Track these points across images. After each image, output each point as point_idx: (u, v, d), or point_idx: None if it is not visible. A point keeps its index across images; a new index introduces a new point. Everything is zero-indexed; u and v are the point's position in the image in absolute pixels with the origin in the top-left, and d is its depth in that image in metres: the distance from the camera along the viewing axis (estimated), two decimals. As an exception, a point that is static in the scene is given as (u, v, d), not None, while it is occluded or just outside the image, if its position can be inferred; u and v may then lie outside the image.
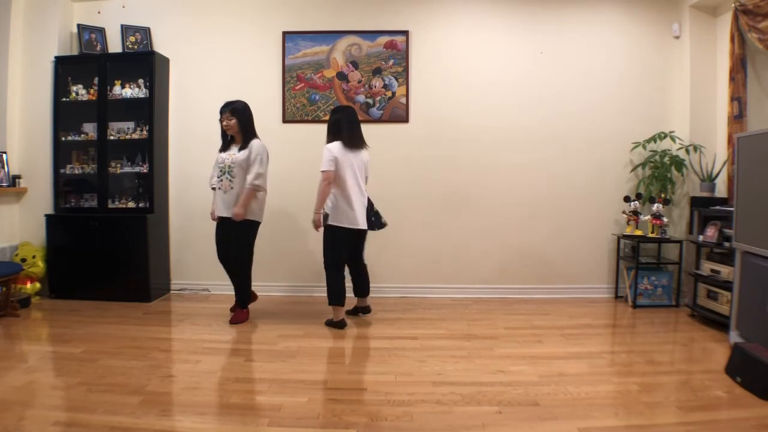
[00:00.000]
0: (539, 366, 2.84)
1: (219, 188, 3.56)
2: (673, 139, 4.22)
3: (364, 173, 3.52)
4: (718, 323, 3.50)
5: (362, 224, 3.45)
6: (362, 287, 3.71)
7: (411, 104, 4.38)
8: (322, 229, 3.41)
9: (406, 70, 4.36)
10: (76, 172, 4.27)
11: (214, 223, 4.44)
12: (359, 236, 3.56)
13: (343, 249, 3.49)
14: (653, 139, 4.27)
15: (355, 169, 3.43)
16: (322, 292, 4.39)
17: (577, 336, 3.38)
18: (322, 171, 3.34)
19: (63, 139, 4.23)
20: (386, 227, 3.65)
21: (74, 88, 4.23)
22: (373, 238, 4.36)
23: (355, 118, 3.53)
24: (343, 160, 3.37)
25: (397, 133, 4.37)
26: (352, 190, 3.39)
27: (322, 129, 4.35)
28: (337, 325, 3.49)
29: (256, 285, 4.42)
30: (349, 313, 3.73)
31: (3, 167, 4.03)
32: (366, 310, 3.76)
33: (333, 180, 3.35)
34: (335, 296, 3.45)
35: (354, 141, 3.45)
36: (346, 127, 3.44)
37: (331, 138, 3.48)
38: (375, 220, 3.57)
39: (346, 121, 3.46)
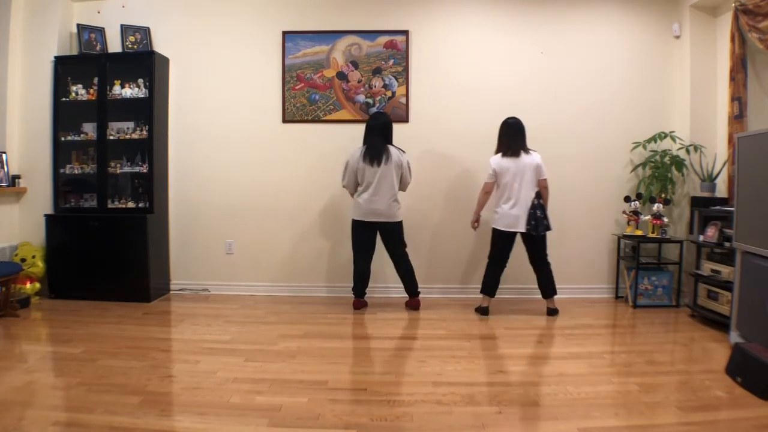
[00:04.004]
0: (539, 366, 2.84)
1: None
2: (673, 139, 4.22)
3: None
4: (719, 323, 3.50)
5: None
6: (545, 288, 3.86)
7: (411, 104, 4.38)
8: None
9: (406, 70, 4.36)
10: (76, 172, 4.27)
11: (215, 223, 4.47)
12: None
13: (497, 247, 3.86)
14: (653, 139, 4.27)
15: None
16: (323, 292, 4.42)
17: (577, 336, 3.38)
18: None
19: (63, 139, 4.22)
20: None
21: (74, 88, 4.23)
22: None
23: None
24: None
25: (397, 133, 4.34)
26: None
27: (322, 129, 4.41)
28: (480, 310, 3.87)
29: (258, 285, 4.46)
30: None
31: (3, 167, 4.03)
32: (553, 311, 3.84)
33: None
34: (486, 288, 3.87)
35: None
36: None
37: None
38: (535, 224, 3.67)
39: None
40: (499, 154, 3.77)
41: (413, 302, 3.99)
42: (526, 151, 3.74)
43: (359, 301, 4.00)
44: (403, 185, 3.91)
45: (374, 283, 4.39)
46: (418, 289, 4.01)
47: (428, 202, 4.41)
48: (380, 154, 3.78)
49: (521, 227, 3.68)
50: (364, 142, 3.87)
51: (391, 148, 3.84)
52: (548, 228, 3.74)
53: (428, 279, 4.41)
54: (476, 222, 3.92)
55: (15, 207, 4.24)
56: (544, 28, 4.37)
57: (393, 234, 3.90)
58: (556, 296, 3.88)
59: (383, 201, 3.78)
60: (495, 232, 3.81)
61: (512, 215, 3.69)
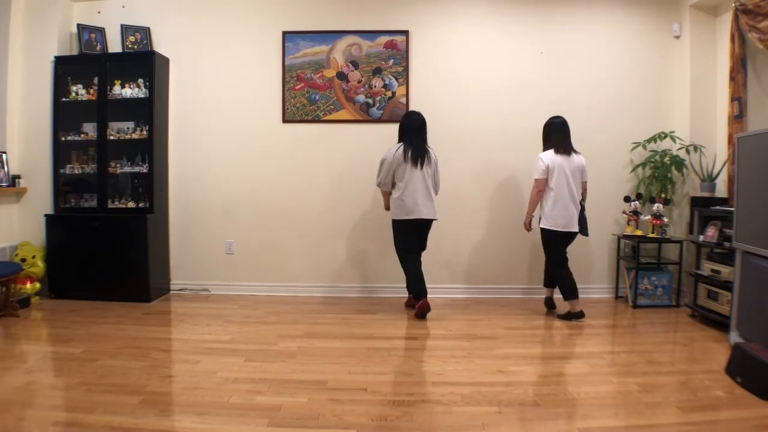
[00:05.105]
0: (539, 366, 2.84)
1: None
2: (673, 139, 4.22)
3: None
4: (719, 323, 3.50)
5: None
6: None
7: (411, 104, 4.37)
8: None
9: (406, 70, 4.36)
10: (76, 172, 4.27)
11: (214, 223, 4.48)
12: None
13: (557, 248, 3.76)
14: (653, 139, 4.27)
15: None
16: (322, 293, 4.42)
17: (577, 336, 3.38)
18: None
19: (63, 139, 4.23)
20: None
21: (74, 88, 4.23)
22: (372, 238, 4.37)
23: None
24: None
25: (397, 133, 4.35)
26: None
27: (322, 129, 4.42)
28: (576, 315, 3.68)
29: (256, 285, 4.46)
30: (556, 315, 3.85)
31: (3, 167, 4.03)
32: (549, 307, 3.94)
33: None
34: (570, 292, 3.68)
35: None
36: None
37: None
38: (583, 225, 3.73)
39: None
40: (551, 152, 3.67)
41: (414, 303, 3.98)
42: (575, 151, 3.71)
43: (426, 302, 3.72)
44: (437, 185, 3.88)
45: (374, 282, 4.40)
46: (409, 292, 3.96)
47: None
48: (424, 155, 3.75)
49: (575, 227, 3.64)
50: (401, 140, 3.81)
51: (428, 148, 3.82)
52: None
53: (428, 279, 4.38)
54: (530, 225, 3.81)
55: (15, 207, 4.24)
56: (544, 28, 4.37)
57: (427, 231, 3.88)
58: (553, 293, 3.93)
59: (428, 197, 3.77)
60: (551, 233, 3.66)
61: (568, 215, 3.61)
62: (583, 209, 3.73)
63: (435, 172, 3.85)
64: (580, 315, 3.68)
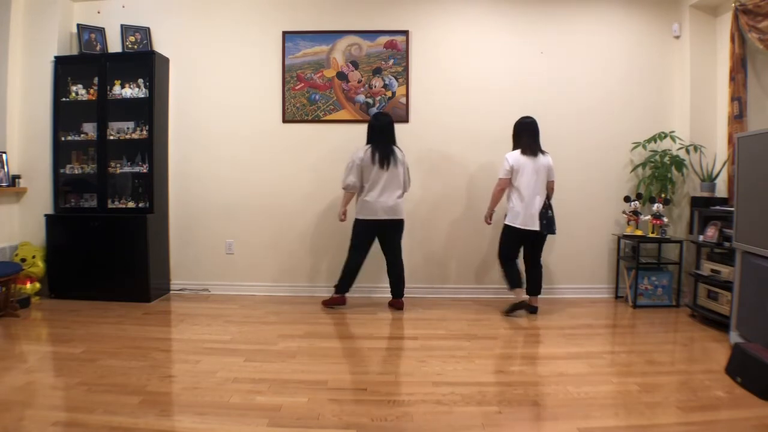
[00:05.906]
0: (539, 366, 2.84)
1: None
2: (673, 139, 4.22)
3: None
4: (718, 323, 3.50)
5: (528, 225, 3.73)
6: (533, 287, 3.90)
7: (411, 104, 4.38)
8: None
9: (406, 70, 4.36)
10: (76, 172, 4.27)
11: (214, 223, 4.48)
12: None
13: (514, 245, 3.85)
14: (653, 139, 4.27)
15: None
16: (323, 293, 4.41)
17: (577, 336, 3.38)
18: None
19: (63, 139, 4.22)
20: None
21: (74, 88, 4.23)
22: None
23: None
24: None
25: (397, 133, 4.34)
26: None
27: (322, 129, 4.41)
28: (518, 306, 3.76)
29: (256, 285, 4.47)
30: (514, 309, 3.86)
31: (3, 167, 4.03)
32: (533, 309, 3.87)
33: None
34: (515, 282, 3.79)
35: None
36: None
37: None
38: (547, 223, 3.74)
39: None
40: (517, 152, 3.75)
41: (398, 303, 3.99)
42: (542, 151, 3.78)
43: (341, 298, 3.95)
44: (405, 187, 3.93)
45: (373, 283, 4.40)
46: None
47: (427, 202, 4.41)
48: (389, 155, 3.80)
49: (537, 226, 3.70)
50: (369, 142, 3.86)
51: (395, 149, 3.87)
52: (555, 228, 3.79)
53: (428, 279, 4.41)
54: (490, 218, 3.91)
55: (15, 207, 4.24)
56: (544, 28, 4.37)
57: (397, 231, 3.91)
58: (539, 296, 3.92)
59: (393, 198, 3.81)
60: (511, 230, 3.76)
61: (529, 214, 3.69)
62: (549, 208, 3.76)
63: (404, 172, 3.90)
64: (522, 306, 3.76)
